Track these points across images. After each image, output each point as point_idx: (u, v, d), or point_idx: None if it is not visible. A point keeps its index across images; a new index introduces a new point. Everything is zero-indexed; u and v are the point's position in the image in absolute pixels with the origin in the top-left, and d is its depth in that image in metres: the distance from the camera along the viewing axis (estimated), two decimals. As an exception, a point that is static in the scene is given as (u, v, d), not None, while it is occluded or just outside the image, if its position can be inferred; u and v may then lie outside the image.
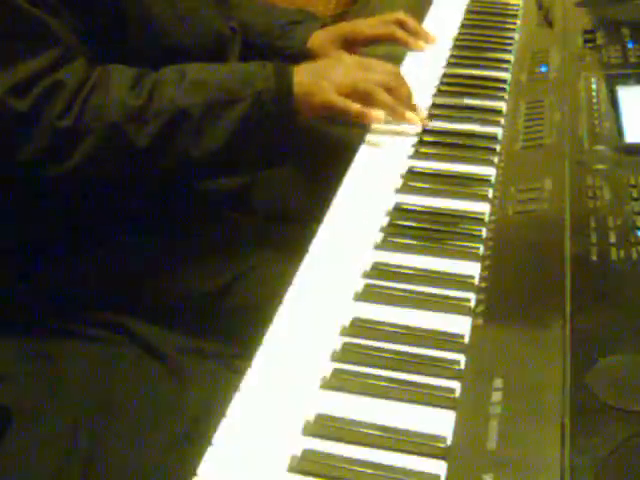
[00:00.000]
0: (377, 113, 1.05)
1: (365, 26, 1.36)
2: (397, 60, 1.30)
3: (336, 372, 0.69)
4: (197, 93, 0.99)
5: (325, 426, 0.64)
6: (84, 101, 0.95)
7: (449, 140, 1.07)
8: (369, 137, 1.07)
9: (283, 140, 1.03)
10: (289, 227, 1.16)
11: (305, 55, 1.32)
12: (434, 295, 0.78)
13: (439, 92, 1.20)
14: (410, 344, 0.72)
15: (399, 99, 1.07)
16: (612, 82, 1.11)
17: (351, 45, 1.35)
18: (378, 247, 0.86)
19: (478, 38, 1.40)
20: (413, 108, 1.09)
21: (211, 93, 0.99)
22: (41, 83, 0.93)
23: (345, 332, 0.74)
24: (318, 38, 1.34)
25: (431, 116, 1.12)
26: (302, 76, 1.03)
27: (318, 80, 1.03)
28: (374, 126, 1.08)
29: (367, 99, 1.05)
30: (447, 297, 0.78)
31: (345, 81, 1.04)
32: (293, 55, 1.32)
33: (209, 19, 1.14)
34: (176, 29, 1.07)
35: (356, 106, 1.04)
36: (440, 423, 0.64)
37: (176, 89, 0.98)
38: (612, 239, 0.81)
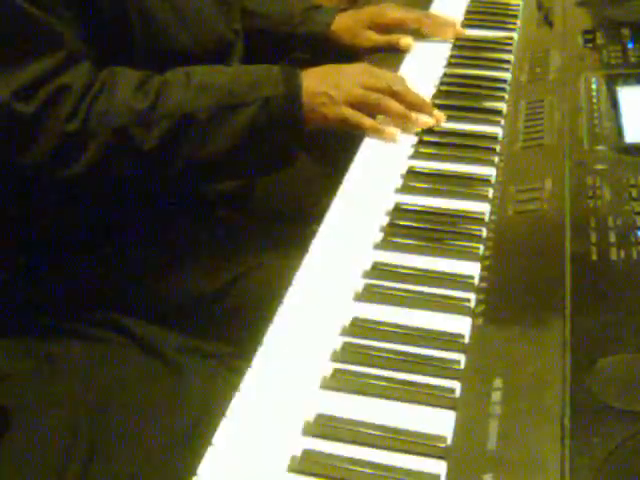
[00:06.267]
0: (392, 131, 1.05)
1: (393, 9, 1.37)
2: (396, 60, 1.30)
3: (336, 372, 0.70)
4: (203, 96, 0.99)
5: (325, 426, 0.64)
6: (90, 104, 0.95)
7: (449, 140, 1.07)
8: (369, 137, 1.07)
9: (292, 146, 1.03)
10: (289, 227, 1.16)
11: (330, 39, 1.32)
12: (434, 295, 0.78)
13: (439, 92, 1.20)
14: (410, 344, 0.72)
15: (409, 105, 1.07)
16: (612, 82, 1.12)
17: (378, 28, 1.35)
18: (378, 247, 0.86)
19: (478, 38, 1.40)
20: (425, 110, 1.09)
21: (217, 97, 0.99)
22: (46, 86, 0.93)
23: (345, 332, 0.74)
24: (343, 20, 1.34)
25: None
26: (311, 83, 1.02)
27: (328, 89, 1.03)
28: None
29: (377, 109, 1.05)
30: (447, 297, 0.78)
31: (355, 91, 1.04)
32: (318, 40, 1.32)
33: (212, 22, 1.13)
34: (178, 32, 1.07)
35: (370, 122, 1.05)
36: (440, 423, 0.64)
37: (182, 92, 0.98)
38: (612, 239, 0.81)
